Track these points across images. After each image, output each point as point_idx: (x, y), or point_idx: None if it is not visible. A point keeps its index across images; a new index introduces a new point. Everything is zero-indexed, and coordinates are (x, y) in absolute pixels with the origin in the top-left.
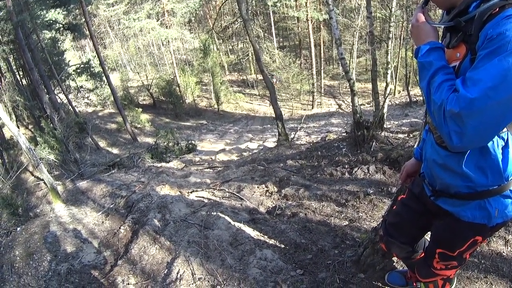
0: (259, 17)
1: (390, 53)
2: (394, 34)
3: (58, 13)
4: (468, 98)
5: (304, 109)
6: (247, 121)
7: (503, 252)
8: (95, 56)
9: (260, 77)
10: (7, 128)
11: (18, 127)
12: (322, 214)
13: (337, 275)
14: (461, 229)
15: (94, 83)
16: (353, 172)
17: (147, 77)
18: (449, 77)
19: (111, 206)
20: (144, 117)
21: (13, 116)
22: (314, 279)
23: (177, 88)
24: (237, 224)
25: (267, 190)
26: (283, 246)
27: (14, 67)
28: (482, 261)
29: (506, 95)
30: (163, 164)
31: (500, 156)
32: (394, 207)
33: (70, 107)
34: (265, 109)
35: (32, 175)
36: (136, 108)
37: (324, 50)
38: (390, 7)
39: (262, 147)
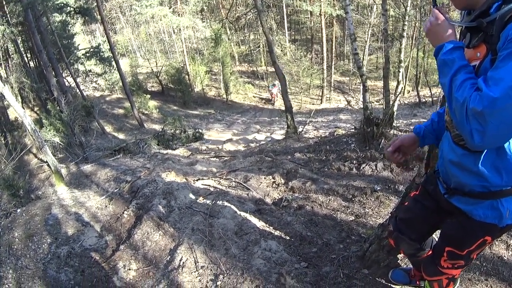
0: (272, 9)
1: (403, 51)
2: (407, 34)
3: None
4: (491, 97)
5: (313, 104)
6: (255, 112)
7: (504, 256)
8: (105, 41)
9: (270, 69)
10: (13, 109)
11: (24, 109)
12: (328, 208)
13: (341, 269)
14: (472, 228)
15: (103, 67)
16: (361, 168)
17: (156, 64)
18: (471, 75)
19: (115, 190)
20: (152, 103)
21: (19, 98)
22: (318, 272)
23: (187, 76)
24: (242, 214)
25: (274, 182)
26: (288, 238)
27: (22, 49)
28: (484, 264)
29: None
30: (169, 151)
31: None
32: (406, 203)
33: (77, 90)
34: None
35: (36, 157)
36: (144, 95)
37: (336, 46)
38: (405, 5)
39: (269, 138)
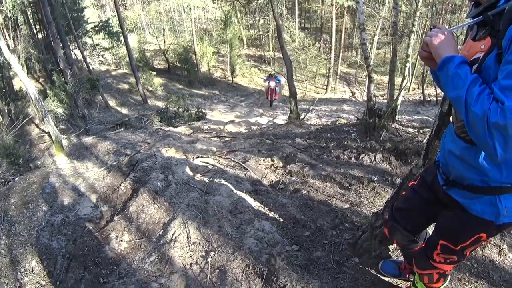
0: None
1: (411, 46)
2: (417, 31)
3: None
4: None
5: (318, 92)
6: (259, 96)
7: (496, 260)
8: (114, 16)
9: (278, 54)
10: (18, 79)
11: (29, 79)
12: (324, 194)
13: (332, 255)
14: (468, 223)
15: (110, 42)
16: (360, 157)
17: (164, 41)
18: (484, 86)
19: (114, 163)
20: (157, 81)
21: (25, 68)
22: (309, 256)
23: (194, 56)
24: (239, 193)
25: (272, 164)
26: (282, 220)
27: (31, 21)
28: (475, 266)
29: None
30: (171, 128)
31: None
32: (404, 193)
33: (84, 63)
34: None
35: (38, 127)
36: (150, 71)
37: (345, 37)
38: (417, 1)
39: (271, 123)
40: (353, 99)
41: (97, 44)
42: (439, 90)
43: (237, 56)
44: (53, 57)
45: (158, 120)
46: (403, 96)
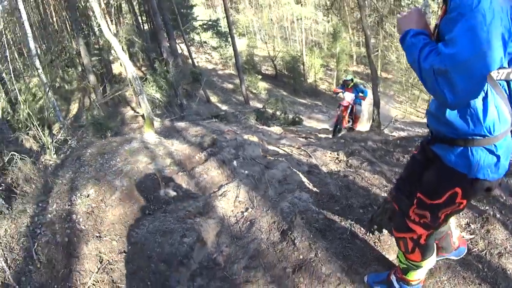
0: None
1: None
2: None
3: None
4: (449, 54)
5: (418, 116)
6: None
7: (509, 270)
8: (224, 17)
9: (384, 74)
10: (118, 63)
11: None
12: (368, 182)
13: (351, 228)
14: (444, 173)
15: (218, 41)
16: None
17: (274, 48)
18: (434, 47)
19: (198, 141)
20: (262, 85)
21: (127, 53)
22: (329, 224)
23: (301, 66)
24: (294, 170)
25: (337, 158)
26: (320, 194)
27: (137, 11)
28: (485, 270)
29: (480, 46)
30: (265, 126)
31: (480, 107)
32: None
33: (189, 58)
34: (382, 104)
35: (133, 110)
36: (256, 75)
37: None
38: None
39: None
40: None
41: (205, 42)
42: None
43: (344, 71)
44: (157, 47)
45: (254, 118)
46: None
